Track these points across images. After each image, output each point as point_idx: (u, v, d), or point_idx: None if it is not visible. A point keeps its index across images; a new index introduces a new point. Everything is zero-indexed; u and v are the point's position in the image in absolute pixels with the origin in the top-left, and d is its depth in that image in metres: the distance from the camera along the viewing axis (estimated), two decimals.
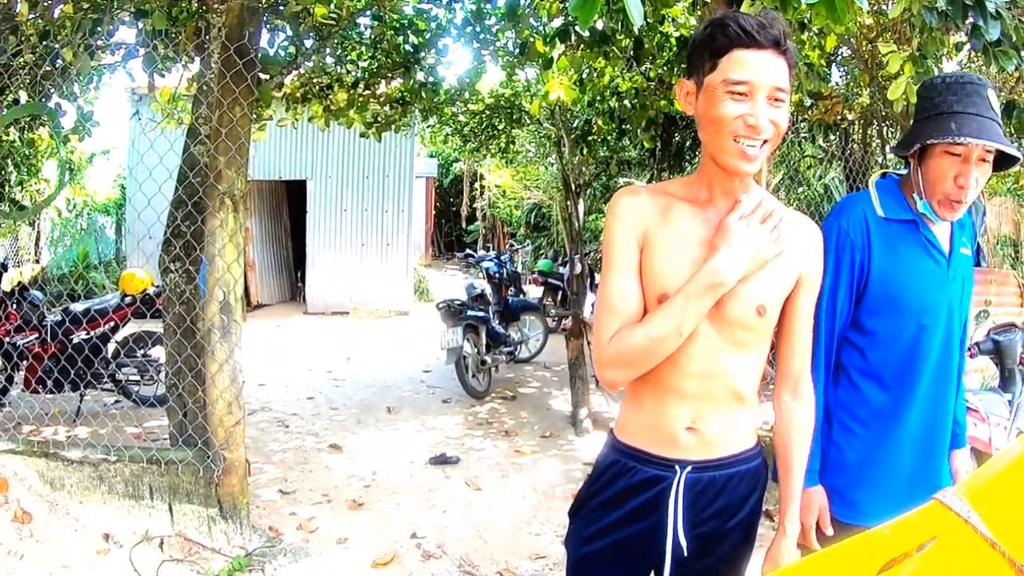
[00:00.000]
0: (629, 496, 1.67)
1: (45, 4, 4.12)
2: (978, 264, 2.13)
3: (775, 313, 1.63)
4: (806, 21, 3.95)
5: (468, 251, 15.06)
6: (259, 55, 3.94)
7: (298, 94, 6.31)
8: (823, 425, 2.00)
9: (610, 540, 1.70)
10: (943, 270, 1.93)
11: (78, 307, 5.85)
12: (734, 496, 1.68)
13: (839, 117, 5.93)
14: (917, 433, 1.97)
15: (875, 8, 4.31)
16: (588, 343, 6.45)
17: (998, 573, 0.85)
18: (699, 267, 1.52)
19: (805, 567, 0.86)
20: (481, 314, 7.47)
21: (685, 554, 1.64)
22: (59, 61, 4.29)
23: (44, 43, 4.19)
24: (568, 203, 10.45)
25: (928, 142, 1.83)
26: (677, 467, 1.63)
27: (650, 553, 1.68)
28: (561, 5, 4.47)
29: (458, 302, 7.59)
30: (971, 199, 1.85)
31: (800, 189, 8.33)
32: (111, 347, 6.05)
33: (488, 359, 7.36)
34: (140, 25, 4.26)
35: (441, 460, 5.30)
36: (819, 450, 1.98)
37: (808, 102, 6.00)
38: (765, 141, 1.49)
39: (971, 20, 2.95)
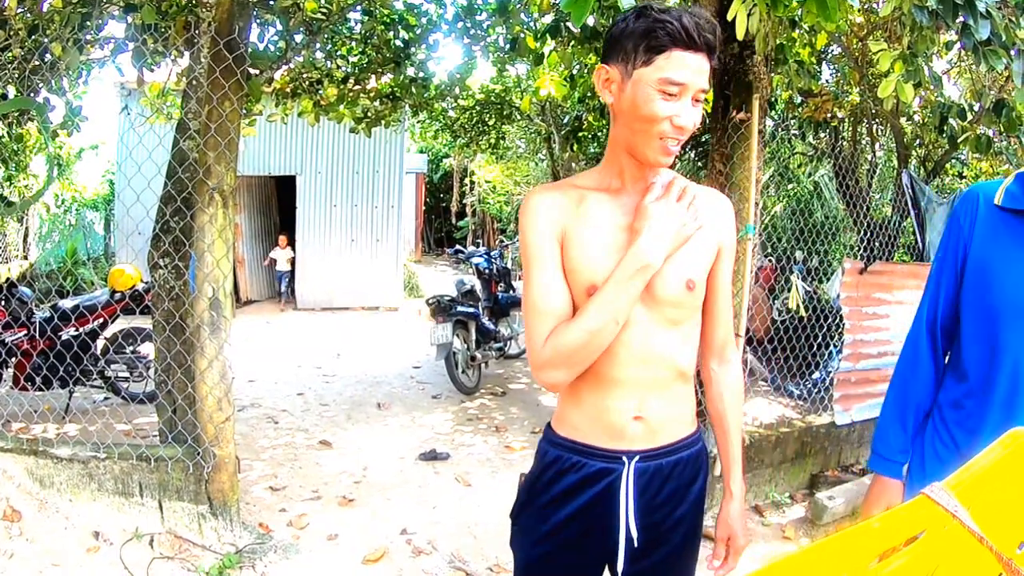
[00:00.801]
0: (577, 492, 1.65)
1: None
2: None
3: (703, 287, 1.64)
4: (797, 18, 3.97)
5: (458, 247, 15.04)
6: (249, 50, 3.93)
7: (288, 89, 6.30)
8: (921, 421, 1.83)
9: (561, 539, 1.68)
10: None
11: (67, 303, 5.82)
12: (680, 482, 1.68)
13: (829, 114, 5.96)
14: None
15: (866, 6, 4.33)
16: None
17: (985, 567, 0.86)
18: (622, 254, 1.52)
19: (796, 560, 0.86)
20: (471, 310, 7.47)
21: (636, 545, 1.64)
22: (48, 56, 4.27)
23: (33, 37, 4.16)
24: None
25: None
26: (625, 458, 1.62)
27: (603, 548, 1.67)
28: (552, 1, 4.47)
29: (448, 298, 7.59)
30: None
31: (790, 186, 8.36)
32: (100, 344, 6.02)
33: (478, 355, 7.37)
34: (129, 19, 4.25)
35: (431, 456, 5.30)
36: (916, 445, 1.82)
37: (798, 99, 6.03)
38: (684, 140, 1.52)
39: (961, 19, 2.97)
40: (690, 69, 1.45)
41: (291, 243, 13.04)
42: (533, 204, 1.61)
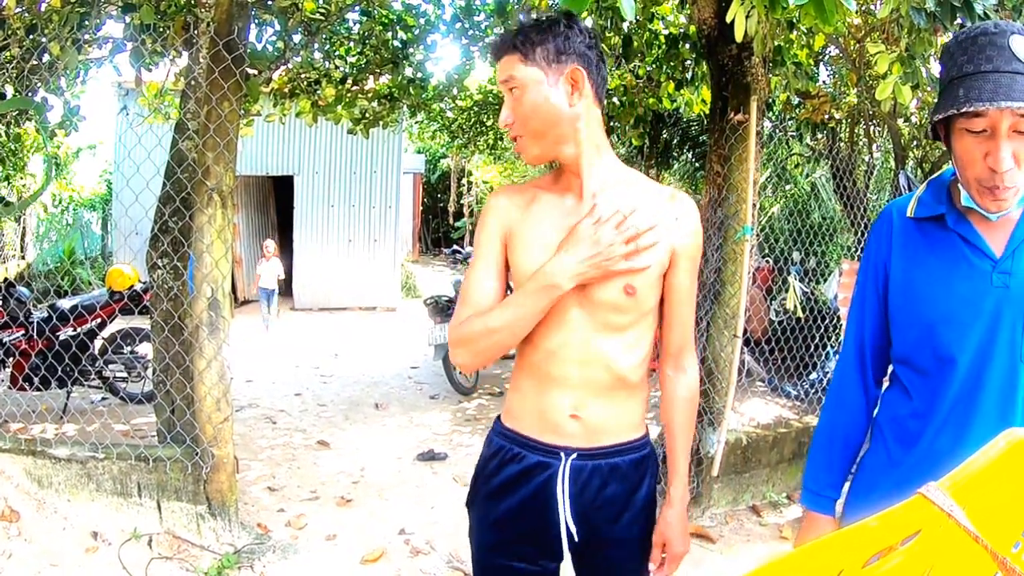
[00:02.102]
0: (519, 483, 1.68)
1: None
2: None
3: (648, 294, 1.62)
4: (795, 20, 3.98)
5: (455, 247, 15.04)
6: (247, 50, 3.93)
7: (286, 89, 6.30)
8: (851, 452, 1.76)
9: (510, 529, 1.71)
10: (985, 274, 1.50)
11: (65, 303, 5.82)
12: (622, 487, 1.68)
13: (827, 116, 5.97)
14: None
15: (863, 8, 4.35)
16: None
17: (981, 565, 0.87)
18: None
19: (790, 561, 0.87)
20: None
21: (576, 541, 1.67)
22: (46, 55, 4.27)
23: (31, 37, 4.17)
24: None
25: (936, 118, 1.49)
26: (562, 454, 1.65)
27: (547, 543, 1.70)
28: (551, 2, 4.48)
29: (445, 298, 7.60)
30: (1016, 180, 1.41)
31: (788, 187, 8.38)
32: (98, 344, 6.02)
33: None
34: (128, 19, 4.25)
35: (429, 456, 5.30)
36: (839, 472, 1.76)
37: (796, 101, 6.04)
38: (519, 136, 1.63)
39: (959, 21, 2.98)
40: (499, 74, 1.62)
41: (284, 248, 11.98)
42: (488, 204, 1.72)
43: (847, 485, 1.75)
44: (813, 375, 6.04)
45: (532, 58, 1.56)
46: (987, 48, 1.40)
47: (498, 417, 1.79)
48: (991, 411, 1.49)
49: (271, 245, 10.52)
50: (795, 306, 6.24)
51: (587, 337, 1.61)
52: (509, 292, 1.63)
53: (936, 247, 1.56)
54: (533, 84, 1.56)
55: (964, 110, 1.38)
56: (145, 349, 6.05)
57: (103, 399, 6.29)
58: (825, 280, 7.10)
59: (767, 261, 7.23)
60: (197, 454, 3.62)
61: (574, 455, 1.65)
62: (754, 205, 4.18)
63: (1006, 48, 1.38)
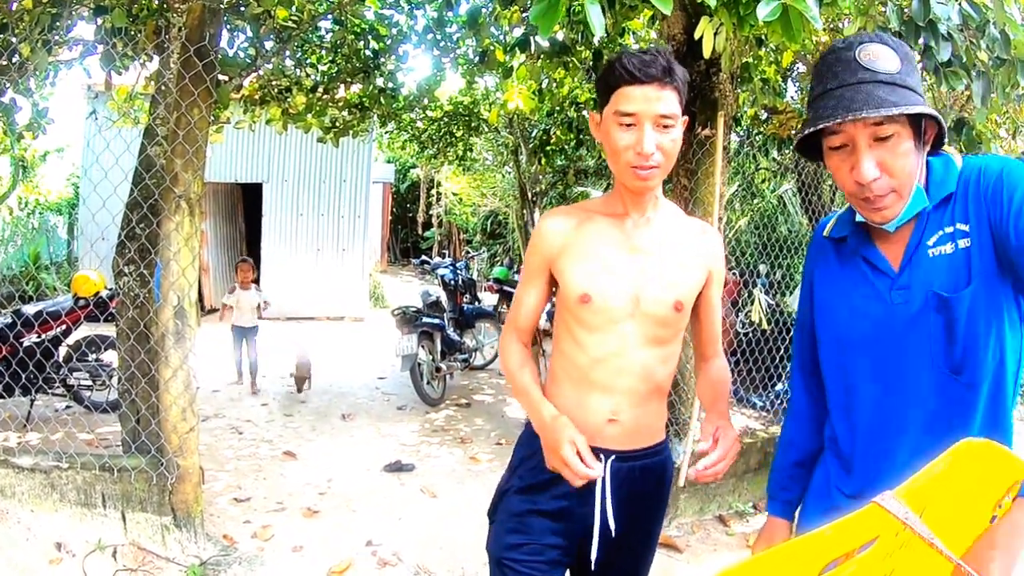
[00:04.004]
0: (554, 484, 1.80)
1: None
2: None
3: (689, 308, 1.83)
4: (763, 38, 4.04)
5: (424, 258, 15.00)
6: (219, 56, 3.91)
7: (256, 96, 6.26)
8: (799, 459, 1.79)
9: (539, 524, 1.85)
10: (884, 293, 1.49)
11: (29, 309, 5.72)
12: (645, 487, 1.87)
13: (793, 131, 6.06)
14: None
15: (831, 26, 4.42)
16: (543, 352, 6.48)
17: (938, 569, 0.89)
18: (619, 271, 1.77)
19: (747, 568, 0.89)
20: (436, 321, 7.46)
21: (614, 536, 1.79)
22: (16, 56, 4.22)
23: (1, 37, 4.11)
24: (524, 211, 10.53)
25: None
26: (602, 456, 1.76)
27: (574, 540, 1.86)
28: (522, 15, 4.51)
29: (413, 309, 7.58)
30: (887, 187, 1.40)
31: (755, 201, 8.47)
32: (63, 351, 5.93)
33: (443, 366, 7.36)
34: (99, 22, 4.20)
35: (396, 467, 5.29)
36: (788, 477, 1.81)
37: (764, 116, 6.12)
38: (656, 165, 1.69)
39: (923, 41, 3.05)
40: (639, 100, 1.65)
41: (251, 256, 9.23)
42: (539, 227, 1.89)
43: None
44: (779, 386, 6.11)
45: (683, 98, 1.71)
46: (835, 66, 1.43)
47: (527, 422, 1.93)
48: (916, 428, 1.47)
49: (248, 268, 7.78)
50: (760, 318, 6.32)
51: (634, 349, 1.78)
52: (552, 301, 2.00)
53: (845, 267, 1.59)
54: (680, 124, 1.72)
55: (808, 131, 1.43)
56: (110, 357, 5.97)
57: (67, 407, 6.20)
58: (791, 292, 7.19)
59: (734, 274, 7.31)
60: (162, 464, 3.59)
61: (613, 457, 1.80)
62: (720, 219, 4.23)
63: (852, 60, 1.40)
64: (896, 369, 1.48)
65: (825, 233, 1.66)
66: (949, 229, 1.43)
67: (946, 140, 1.48)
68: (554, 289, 1.92)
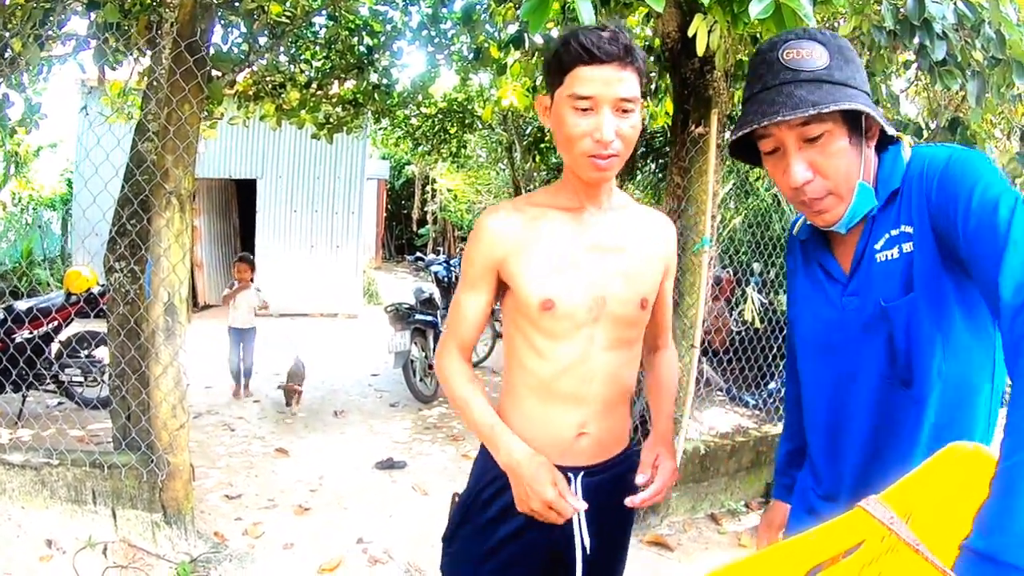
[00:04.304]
0: (518, 512, 1.64)
1: None
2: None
3: (652, 305, 1.73)
4: (758, 36, 4.04)
5: (418, 254, 15.01)
6: (211, 52, 3.90)
7: (250, 92, 6.25)
8: (793, 448, 1.78)
9: (505, 555, 1.69)
10: (836, 299, 1.45)
11: (21, 305, 5.70)
12: (617, 497, 1.69)
13: None
14: None
15: (826, 25, 4.42)
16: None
17: (923, 574, 0.89)
18: (582, 272, 1.61)
19: (733, 571, 0.88)
20: (429, 318, 7.45)
21: (588, 554, 1.66)
22: (8, 51, 4.19)
23: None
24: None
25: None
26: (571, 474, 1.66)
27: (549, 563, 1.70)
28: (516, 12, 4.50)
29: (406, 306, 7.57)
30: (823, 189, 1.35)
31: (749, 199, 8.47)
32: (54, 347, 5.91)
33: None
34: (92, 17, 4.19)
35: (388, 465, 5.28)
36: (786, 463, 1.80)
37: None
38: (615, 154, 1.51)
39: (918, 40, 3.04)
40: (598, 81, 1.47)
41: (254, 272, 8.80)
42: (482, 225, 1.66)
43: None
44: (772, 384, 6.11)
45: (643, 80, 1.54)
46: (759, 68, 1.37)
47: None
48: (862, 437, 1.44)
49: (246, 266, 7.31)
50: (753, 317, 6.32)
51: (600, 353, 1.64)
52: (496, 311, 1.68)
53: (808, 269, 1.55)
54: (640, 108, 1.55)
55: (733, 138, 1.39)
56: (102, 353, 5.95)
57: (59, 404, 6.17)
58: (784, 291, 7.19)
59: (728, 272, 7.30)
60: (152, 461, 3.57)
61: (582, 473, 1.67)
62: (713, 217, 4.23)
63: (775, 61, 1.34)
64: (848, 376, 1.44)
65: (794, 232, 1.61)
66: (895, 232, 1.35)
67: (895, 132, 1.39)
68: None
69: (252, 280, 7.36)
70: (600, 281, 1.62)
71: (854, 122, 1.33)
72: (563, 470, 1.63)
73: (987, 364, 1.34)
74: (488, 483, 1.71)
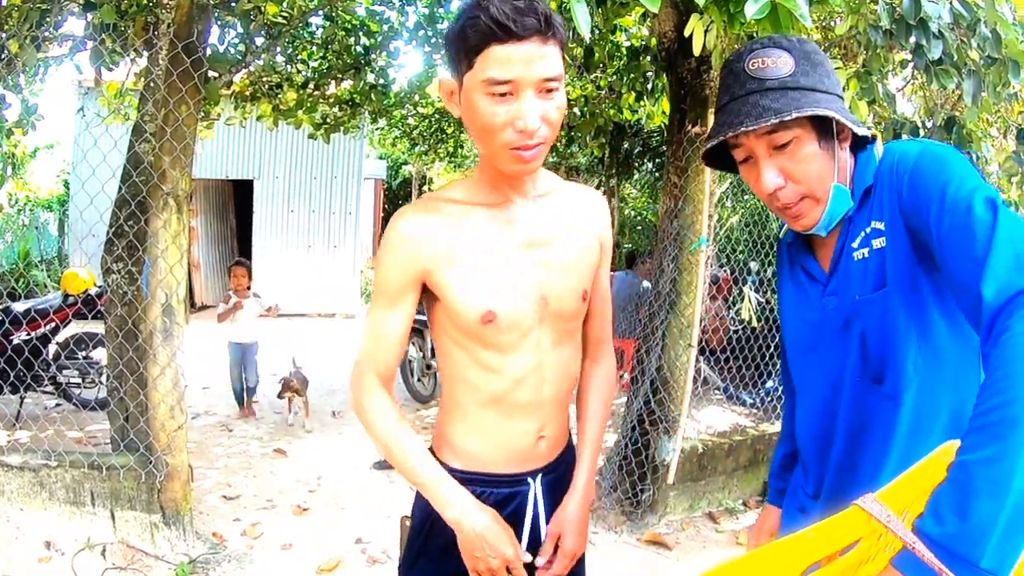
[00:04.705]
0: None
1: None
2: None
3: (590, 292, 1.59)
4: (755, 35, 4.04)
5: None
6: (208, 53, 3.90)
7: (247, 92, 6.25)
8: (788, 453, 1.76)
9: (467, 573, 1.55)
10: (817, 299, 1.46)
11: (18, 307, 5.69)
12: (565, 488, 1.61)
13: None
14: None
15: (823, 24, 4.43)
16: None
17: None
18: (519, 273, 1.45)
19: (728, 571, 0.88)
20: (426, 318, 7.43)
21: (550, 554, 1.56)
22: (5, 52, 4.19)
23: None
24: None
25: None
26: (530, 479, 1.57)
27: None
28: None
29: None
30: (796, 194, 1.36)
31: (746, 197, 8.48)
32: (52, 349, 5.90)
33: (433, 363, 7.34)
34: (88, 18, 4.18)
35: (386, 465, 5.27)
36: (779, 467, 1.79)
37: None
38: (542, 142, 1.34)
39: (914, 39, 3.05)
40: (517, 62, 1.26)
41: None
42: (396, 231, 1.45)
43: None
44: (769, 383, 6.12)
45: (564, 51, 1.35)
46: (727, 79, 1.38)
47: (440, 461, 1.58)
48: (842, 436, 1.44)
49: (243, 272, 6.81)
50: (750, 316, 6.33)
51: (549, 354, 1.52)
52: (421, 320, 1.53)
53: (793, 272, 1.54)
54: (563, 83, 1.35)
55: (704, 150, 1.42)
56: (99, 354, 5.94)
57: (57, 405, 6.16)
58: None
59: (725, 271, 7.32)
60: (151, 462, 3.57)
61: (540, 475, 1.58)
62: (710, 216, 4.23)
63: (742, 72, 1.34)
64: (831, 376, 1.44)
65: (781, 236, 1.61)
66: (868, 229, 1.35)
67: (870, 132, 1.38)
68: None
69: (249, 287, 6.81)
70: (539, 280, 1.47)
71: (823, 126, 1.33)
72: (521, 476, 1.56)
73: (971, 368, 1.32)
74: (432, 520, 1.57)
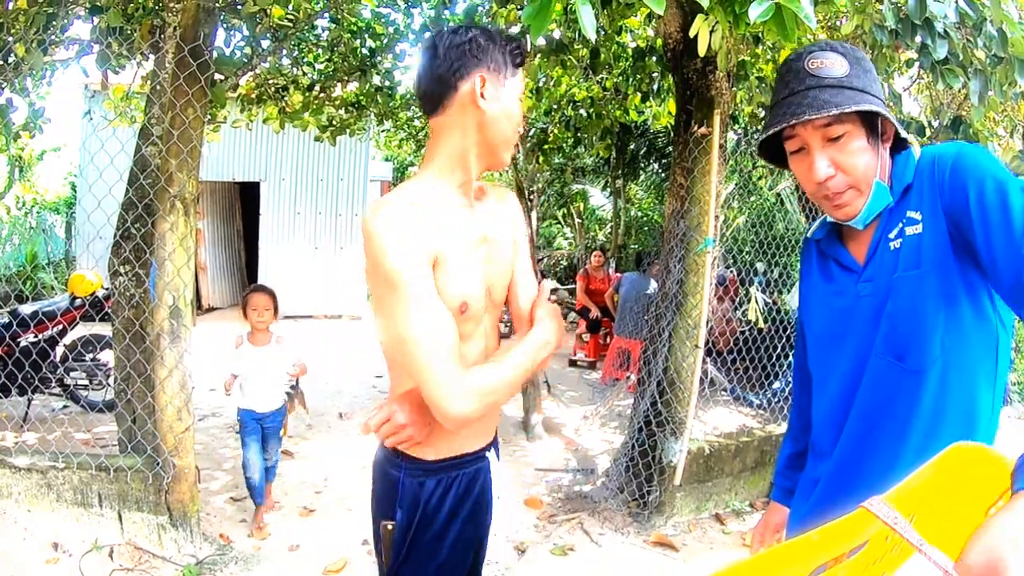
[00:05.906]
0: (462, 502, 1.71)
1: None
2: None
3: None
4: (760, 36, 4.04)
5: None
6: (214, 55, 3.90)
7: (253, 95, 6.26)
8: (796, 451, 1.83)
9: (459, 552, 1.74)
10: (851, 287, 1.53)
11: (26, 309, 5.71)
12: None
13: None
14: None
15: (828, 24, 4.42)
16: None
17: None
18: (482, 267, 1.62)
19: (735, 572, 0.88)
20: None
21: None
22: (11, 55, 4.21)
23: None
24: (522, 209, 10.54)
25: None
26: (486, 453, 1.77)
27: (484, 530, 1.81)
28: (518, 14, 4.50)
29: None
30: (844, 184, 1.45)
31: (752, 198, 8.47)
32: (59, 351, 5.92)
33: None
34: (95, 21, 4.19)
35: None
36: (785, 465, 1.87)
37: (761, 113, 6.12)
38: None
39: (920, 39, 3.04)
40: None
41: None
42: (396, 222, 1.44)
43: None
44: (776, 384, 6.11)
45: None
46: (786, 75, 1.50)
47: (405, 460, 1.69)
48: (860, 415, 1.52)
49: (266, 302, 4.59)
50: (757, 317, 6.31)
51: (492, 339, 1.71)
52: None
53: (822, 267, 1.65)
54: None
55: (761, 138, 1.53)
56: (107, 357, 5.96)
57: (64, 407, 6.19)
58: (788, 290, 7.19)
59: (731, 272, 7.30)
60: (158, 464, 3.58)
61: (491, 448, 1.79)
62: (716, 217, 4.23)
63: (801, 70, 1.47)
64: (855, 359, 1.52)
65: (809, 235, 1.70)
66: (905, 220, 1.45)
67: (904, 134, 1.50)
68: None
69: (271, 331, 4.73)
70: (487, 273, 1.65)
71: (871, 125, 1.44)
72: (483, 449, 1.75)
73: (989, 353, 1.42)
74: (428, 497, 1.67)
